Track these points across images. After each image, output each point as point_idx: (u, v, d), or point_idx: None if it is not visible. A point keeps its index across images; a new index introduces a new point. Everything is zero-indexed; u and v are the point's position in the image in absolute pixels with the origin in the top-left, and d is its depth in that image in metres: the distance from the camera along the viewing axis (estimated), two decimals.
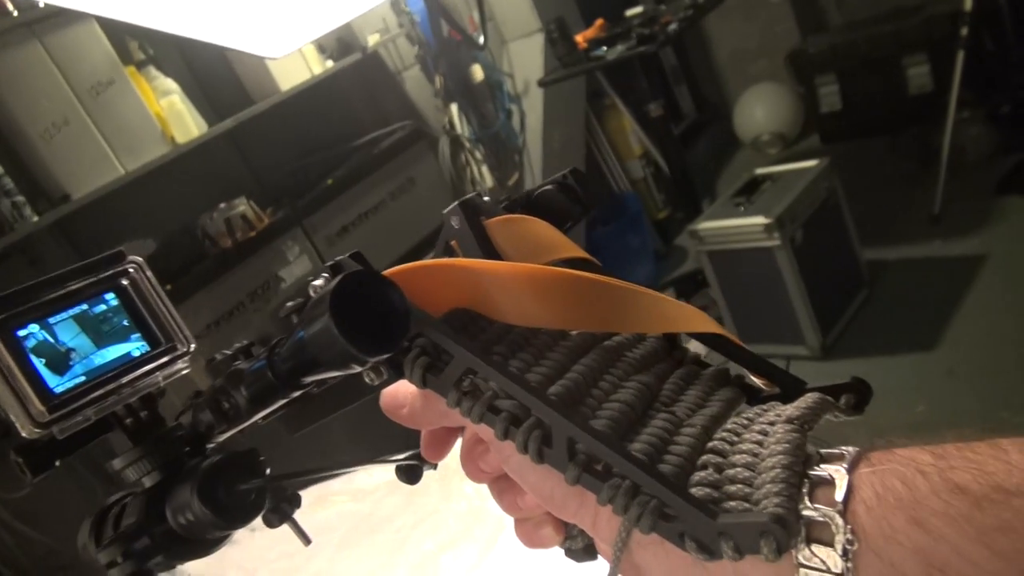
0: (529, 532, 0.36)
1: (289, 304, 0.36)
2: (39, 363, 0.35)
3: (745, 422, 0.33)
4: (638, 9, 2.73)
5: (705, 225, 2.31)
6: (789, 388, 0.36)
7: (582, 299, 0.35)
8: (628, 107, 3.13)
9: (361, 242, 2.40)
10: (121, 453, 0.37)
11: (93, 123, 1.97)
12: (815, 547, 0.26)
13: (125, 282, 0.39)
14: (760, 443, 0.30)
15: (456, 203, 0.39)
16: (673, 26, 2.49)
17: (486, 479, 0.36)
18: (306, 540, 0.39)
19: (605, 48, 2.61)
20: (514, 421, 0.30)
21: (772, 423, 0.31)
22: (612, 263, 3.07)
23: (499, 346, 0.34)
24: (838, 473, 0.27)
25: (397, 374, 0.33)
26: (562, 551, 0.37)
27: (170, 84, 2.15)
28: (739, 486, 0.28)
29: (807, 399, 0.33)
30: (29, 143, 1.89)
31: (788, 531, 0.26)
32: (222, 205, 2.16)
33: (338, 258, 0.36)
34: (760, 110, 3.62)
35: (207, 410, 0.37)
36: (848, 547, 0.25)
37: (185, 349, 0.40)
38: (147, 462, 0.37)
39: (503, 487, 0.36)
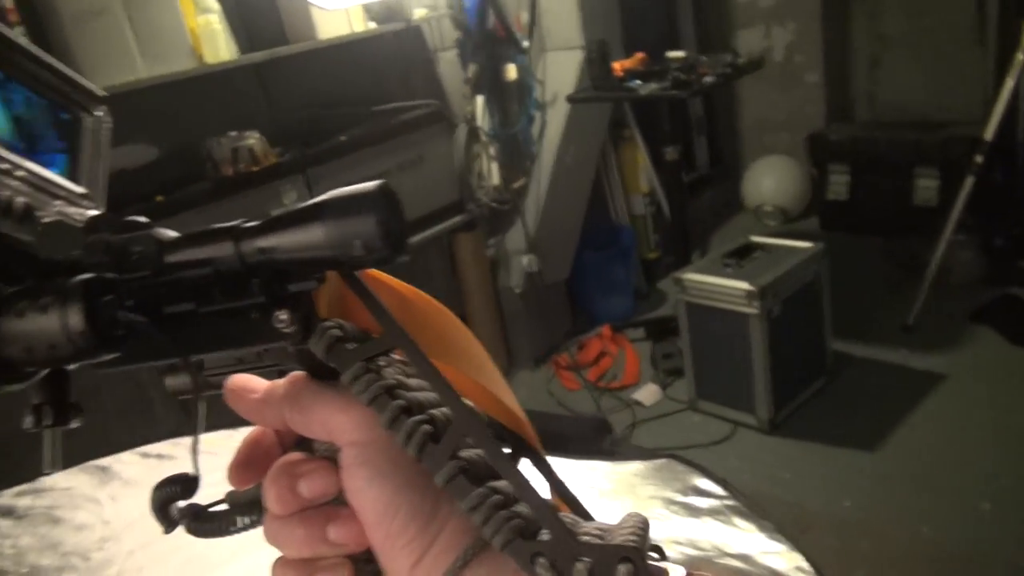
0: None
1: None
2: None
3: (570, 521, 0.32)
4: (680, 54, 2.77)
5: (691, 276, 2.35)
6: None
7: (416, 319, 0.34)
8: (646, 144, 3.18)
9: None
10: None
11: (128, 19, 1.96)
12: None
13: (88, 119, 0.38)
14: (601, 531, 0.29)
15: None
16: (709, 79, 2.54)
17: (293, 507, 0.31)
18: (47, 466, 0.34)
19: (639, 82, 2.65)
20: (406, 411, 0.29)
21: (603, 529, 0.30)
22: (592, 289, 3.11)
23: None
24: None
25: (303, 333, 0.29)
26: None
27: (211, 3, 2.15)
28: (593, 537, 0.28)
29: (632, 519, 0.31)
30: (60, 24, 1.88)
31: (644, 565, 0.26)
32: (232, 133, 2.15)
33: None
34: (769, 180, 3.69)
35: (100, 250, 0.30)
36: None
37: (93, 207, 0.36)
38: None
39: (312, 517, 0.31)
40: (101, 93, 0.38)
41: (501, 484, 0.29)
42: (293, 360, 0.32)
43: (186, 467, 0.33)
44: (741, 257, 2.38)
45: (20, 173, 0.33)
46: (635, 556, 0.26)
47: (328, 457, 0.32)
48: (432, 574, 0.29)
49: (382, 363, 0.32)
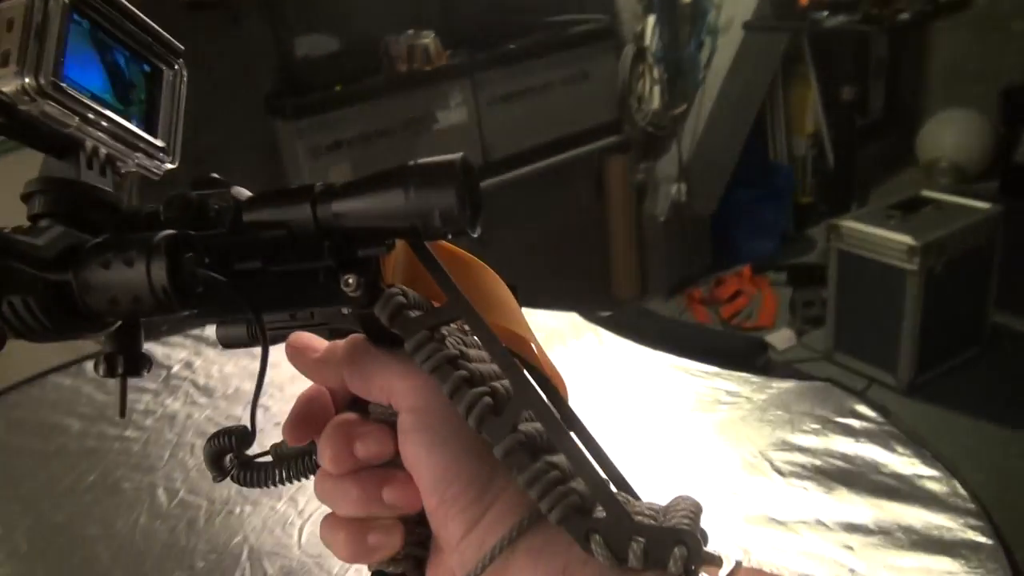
0: (360, 536, 0.32)
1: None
2: (78, 58, 0.32)
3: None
4: None
5: (849, 224, 2.26)
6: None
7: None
8: (819, 83, 3.01)
9: (520, 115, 2.44)
10: (46, 172, 0.33)
11: None
12: None
13: (169, 73, 0.37)
14: (655, 512, 0.29)
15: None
16: (904, 16, 2.36)
17: (348, 467, 0.32)
18: (121, 412, 0.35)
19: (826, 13, 2.50)
20: (468, 382, 0.29)
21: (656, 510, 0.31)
22: (738, 226, 3.04)
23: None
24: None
25: (369, 298, 0.30)
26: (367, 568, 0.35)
27: None
28: (647, 518, 0.28)
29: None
30: None
31: (699, 549, 0.26)
32: (410, 32, 2.23)
33: None
34: (950, 134, 3.42)
35: (179, 205, 0.31)
36: None
37: (168, 161, 0.37)
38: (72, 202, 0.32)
39: (367, 478, 0.32)
40: (179, 47, 0.38)
41: (558, 459, 0.29)
42: (351, 323, 0.32)
43: None
44: (908, 210, 2.25)
45: (105, 124, 0.33)
46: (690, 540, 0.26)
47: (383, 420, 0.33)
48: (484, 543, 0.29)
49: (443, 331, 0.31)
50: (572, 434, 0.32)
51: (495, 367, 0.31)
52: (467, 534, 0.29)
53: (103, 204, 0.32)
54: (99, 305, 0.28)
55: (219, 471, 0.35)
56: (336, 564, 0.66)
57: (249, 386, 1.02)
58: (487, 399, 0.29)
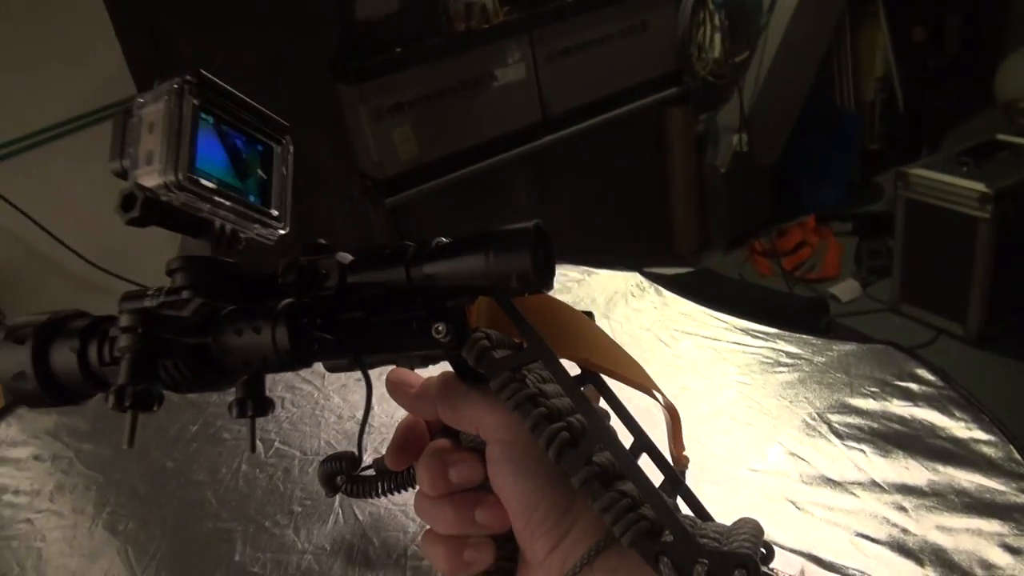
0: (457, 552, 0.36)
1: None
2: (205, 147, 0.37)
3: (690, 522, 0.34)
4: None
5: (918, 171, 2.20)
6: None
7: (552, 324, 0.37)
8: (889, 23, 2.89)
9: (578, 70, 2.43)
10: (187, 250, 0.38)
11: None
12: None
13: (278, 148, 0.42)
14: (719, 533, 0.32)
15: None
16: None
17: (444, 490, 0.36)
18: (252, 448, 0.39)
19: None
20: (547, 418, 0.33)
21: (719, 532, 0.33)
22: (803, 175, 2.99)
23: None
24: None
25: (457, 342, 0.33)
26: None
27: None
28: (711, 540, 0.31)
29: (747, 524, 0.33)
30: None
31: (758, 571, 0.29)
32: None
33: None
34: None
35: (295, 271, 0.36)
36: None
37: (282, 228, 0.41)
38: (211, 280, 0.37)
39: (462, 501, 0.36)
40: (285, 124, 0.43)
41: (629, 487, 0.32)
42: (444, 359, 0.36)
43: None
44: (981, 156, 2.18)
45: (230, 204, 0.38)
46: (749, 563, 0.29)
47: (473, 447, 0.37)
48: (567, 560, 0.32)
49: (524, 370, 0.35)
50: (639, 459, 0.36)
51: (570, 402, 0.34)
52: (551, 553, 0.33)
53: (231, 274, 0.38)
54: (234, 365, 0.34)
55: (331, 488, 0.41)
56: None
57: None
58: (564, 433, 0.32)
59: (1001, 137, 2.27)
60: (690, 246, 2.96)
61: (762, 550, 0.31)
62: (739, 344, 0.89)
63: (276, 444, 0.88)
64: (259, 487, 0.81)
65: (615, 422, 0.37)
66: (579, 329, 0.40)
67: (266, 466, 0.84)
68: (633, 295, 1.07)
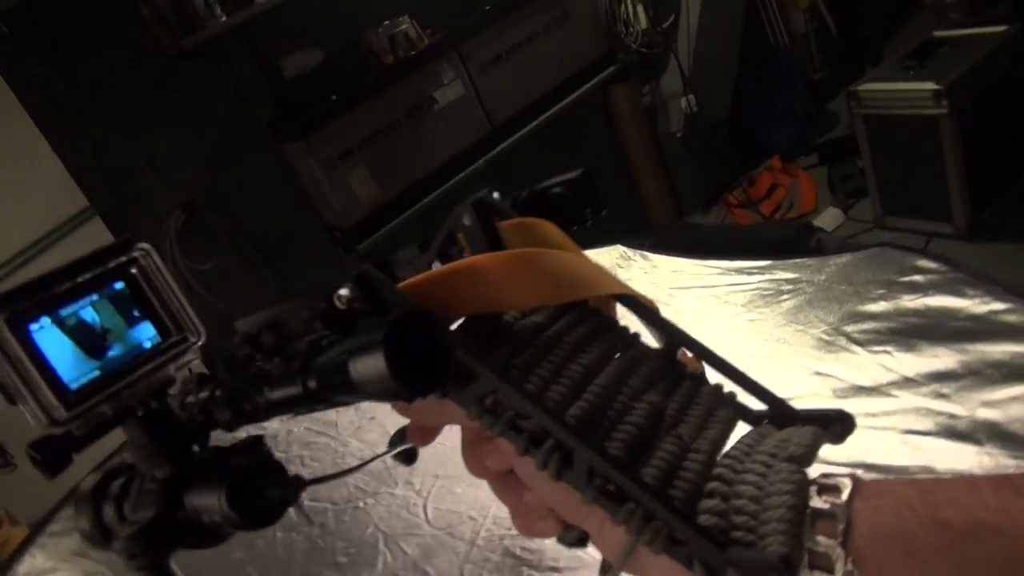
0: (529, 524, 0.37)
1: (304, 313, 0.34)
2: (59, 355, 0.34)
3: (745, 449, 0.33)
4: None
5: (868, 87, 2.20)
6: (777, 410, 0.37)
7: (544, 274, 0.36)
8: None
9: (513, 73, 2.44)
10: (133, 445, 0.37)
11: None
12: (816, 574, 0.28)
13: (134, 271, 0.37)
14: (763, 475, 0.31)
15: (469, 200, 0.39)
16: None
17: (488, 476, 0.36)
18: (309, 521, 0.41)
19: None
20: (535, 441, 0.31)
21: (774, 455, 0.32)
22: (757, 120, 2.99)
23: (518, 359, 0.34)
24: (838, 508, 0.29)
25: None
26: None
27: None
28: (745, 518, 0.29)
29: (805, 435, 0.33)
30: None
31: (793, 573, 0.28)
32: (386, 22, 2.23)
33: (364, 266, 0.33)
34: None
35: (227, 409, 0.36)
36: (850, 574, 0.27)
37: (196, 340, 0.38)
38: (162, 456, 0.36)
39: (507, 483, 0.36)
40: (127, 238, 0.38)
41: (657, 462, 0.31)
42: None
43: None
44: (924, 56, 2.19)
45: (124, 381, 0.36)
46: (783, 567, 0.27)
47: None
48: (618, 536, 0.32)
49: (518, 367, 0.34)
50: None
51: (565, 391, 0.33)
52: (600, 531, 0.33)
53: (182, 432, 0.37)
54: (205, 520, 0.36)
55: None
56: (467, 530, 0.70)
57: None
58: (556, 455, 0.31)
59: (938, 34, 2.28)
60: (666, 215, 2.96)
61: (819, 507, 0.30)
62: (736, 284, 0.88)
63: (306, 502, 0.85)
64: (299, 549, 0.79)
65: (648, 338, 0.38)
66: (576, 270, 0.39)
67: (301, 526, 0.82)
68: (620, 266, 1.05)
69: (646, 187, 2.93)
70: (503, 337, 0.36)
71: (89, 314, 0.36)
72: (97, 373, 0.35)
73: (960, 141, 2.07)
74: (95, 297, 0.36)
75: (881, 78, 2.21)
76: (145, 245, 0.38)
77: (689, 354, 0.40)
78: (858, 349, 0.67)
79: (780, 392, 0.67)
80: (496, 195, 0.40)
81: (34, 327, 0.33)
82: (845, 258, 0.82)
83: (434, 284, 0.35)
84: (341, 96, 2.18)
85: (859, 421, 0.60)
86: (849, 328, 0.71)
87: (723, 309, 0.84)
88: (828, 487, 0.30)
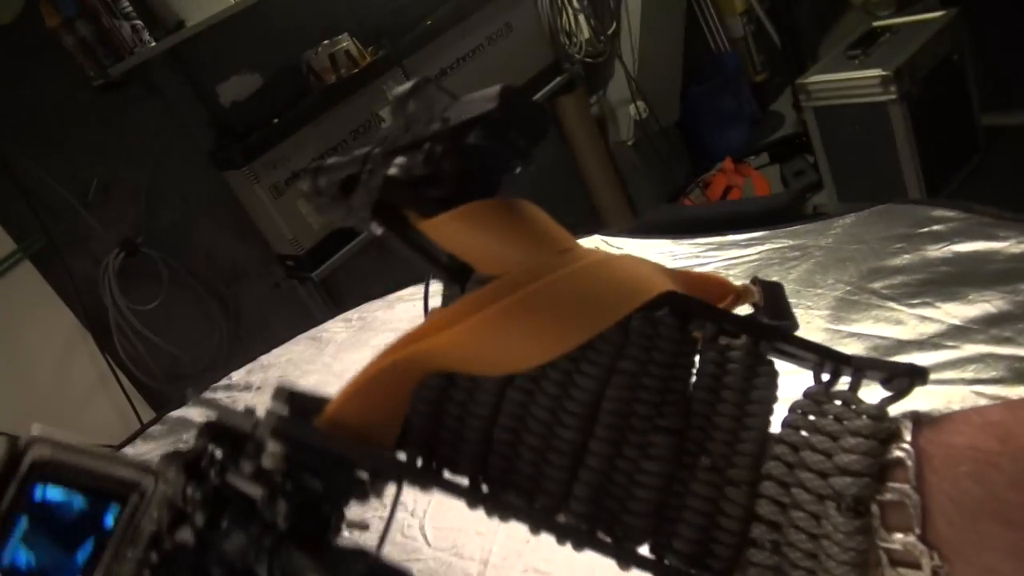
0: None
1: (219, 418, 0.32)
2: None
3: (789, 458, 0.28)
4: None
5: (815, 79, 2.21)
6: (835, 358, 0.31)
7: (544, 318, 0.29)
8: None
9: (459, 86, 2.37)
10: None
11: None
12: (903, 571, 0.24)
13: (50, 472, 0.35)
14: (816, 517, 0.26)
15: (370, 202, 0.33)
16: None
17: None
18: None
19: None
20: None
21: (823, 485, 0.27)
22: (705, 124, 3.00)
23: (495, 455, 0.30)
24: (907, 496, 0.24)
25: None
26: None
27: None
28: (801, 572, 0.26)
29: (856, 457, 0.27)
30: None
31: None
32: (326, 41, 2.16)
33: (289, 389, 0.30)
34: None
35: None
36: (939, 569, 0.23)
37: (150, 483, 0.36)
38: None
39: None
40: (7, 448, 0.36)
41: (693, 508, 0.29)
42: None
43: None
44: (867, 45, 2.21)
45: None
46: None
47: None
48: None
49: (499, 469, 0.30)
50: None
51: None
52: None
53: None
54: None
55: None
56: (476, 548, 0.61)
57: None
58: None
59: (877, 24, 2.31)
60: (623, 225, 2.92)
61: (887, 498, 0.25)
62: (736, 258, 0.82)
63: None
64: None
65: None
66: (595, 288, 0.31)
67: None
68: None
69: (602, 198, 2.90)
70: (468, 411, 0.31)
71: (21, 554, 0.34)
72: None
73: (911, 127, 2.08)
74: (23, 527, 0.34)
75: (827, 69, 2.22)
76: (36, 434, 0.35)
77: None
78: (892, 304, 0.61)
79: None
80: (401, 161, 0.33)
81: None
82: (849, 219, 0.77)
83: (370, 399, 0.29)
84: (284, 119, 2.08)
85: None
86: (875, 284, 0.65)
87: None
88: (893, 465, 0.25)
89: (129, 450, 1.08)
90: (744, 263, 0.80)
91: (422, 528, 0.67)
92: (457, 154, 0.33)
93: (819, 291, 0.68)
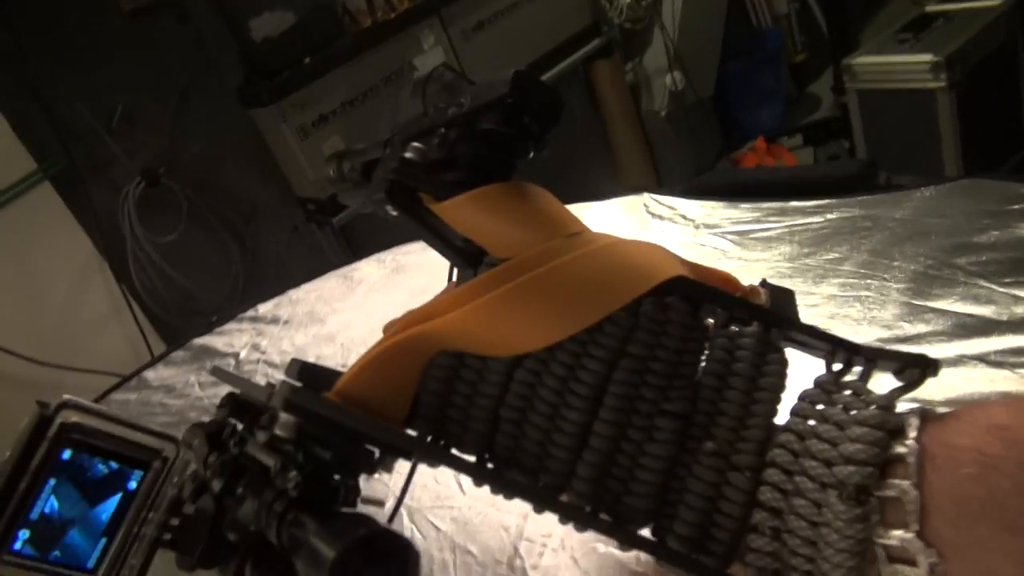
0: None
1: (241, 392, 0.34)
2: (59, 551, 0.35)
3: (794, 446, 0.28)
4: None
5: (863, 60, 2.15)
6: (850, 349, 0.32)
7: (551, 301, 0.30)
8: None
9: (494, 41, 2.32)
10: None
11: None
12: (899, 567, 0.24)
13: (77, 436, 0.37)
14: (817, 504, 0.27)
15: (386, 184, 0.34)
16: None
17: None
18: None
19: None
20: None
21: (827, 473, 0.27)
22: (741, 101, 2.93)
23: (502, 434, 0.31)
24: (905, 493, 0.24)
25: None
26: None
27: None
28: (800, 559, 0.27)
29: (862, 446, 0.27)
30: None
31: None
32: None
33: (302, 361, 0.32)
34: None
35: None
36: (936, 567, 0.23)
37: (172, 451, 0.39)
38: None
39: None
40: (36, 414, 0.38)
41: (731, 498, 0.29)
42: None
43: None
44: (919, 30, 2.15)
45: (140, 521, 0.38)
46: None
47: None
48: None
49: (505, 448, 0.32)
50: None
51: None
52: None
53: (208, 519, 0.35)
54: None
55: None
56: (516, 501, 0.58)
57: (327, 351, 0.93)
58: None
59: (931, 9, 2.24)
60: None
61: (887, 494, 0.26)
62: (800, 225, 0.78)
63: None
64: None
65: None
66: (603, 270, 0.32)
67: None
68: (653, 214, 0.95)
69: (628, 167, 2.84)
70: (476, 395, 0.33)
71: (52, 504, 0.36)
72: (104, 540, 0.35)
73: (957, 116, 2.03)
74: (52, 482, 0.36)
75: (875, 51, 2.16)
76: (66, 399, 0.38)
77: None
78: (981, 282, 0.58)
79: (893, 336, 0.57)
80: (409, 154, 0.34)
81: (17, 546, 0.35)
82: (927, 192, 0.73)
83: (387, 363, 0.30)
84: (315, 59, 2.03)
85: (1011, 361, 0.50)
86: (961, 260, 0.61)
87: (797, 249, 0.74)
88: (894, 461, 0.25)
89: (150, 374, 1.05)
90: (809, 231, 0.76)
91: (456, 475, 0.65)
92: (471, 138, 0.34)
93: (898, 262, 0.64)
